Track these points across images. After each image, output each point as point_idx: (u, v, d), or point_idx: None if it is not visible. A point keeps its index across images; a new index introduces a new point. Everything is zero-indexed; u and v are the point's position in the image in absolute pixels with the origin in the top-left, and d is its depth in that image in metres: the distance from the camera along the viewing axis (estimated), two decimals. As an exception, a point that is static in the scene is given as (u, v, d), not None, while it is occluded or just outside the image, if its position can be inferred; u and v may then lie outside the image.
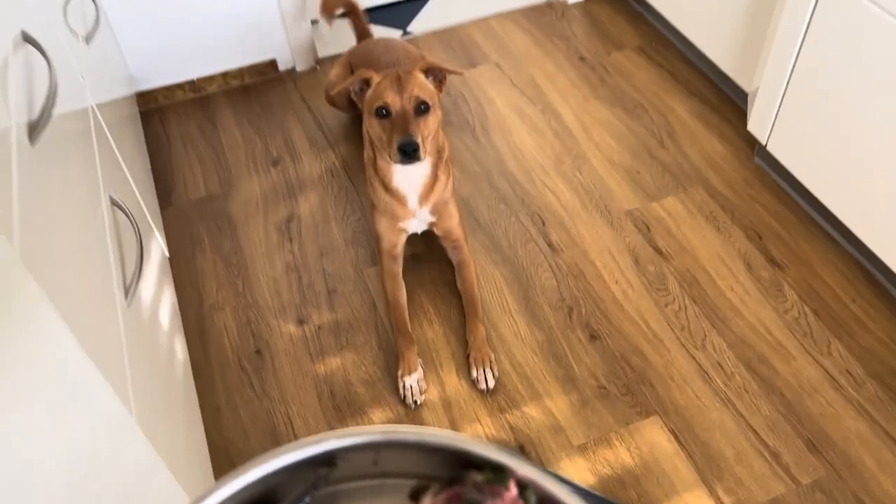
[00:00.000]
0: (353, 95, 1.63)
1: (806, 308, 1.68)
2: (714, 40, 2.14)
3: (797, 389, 1.55)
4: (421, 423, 1.53)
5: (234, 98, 2.29)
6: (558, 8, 2.58)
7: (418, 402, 1.55)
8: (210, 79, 2.28)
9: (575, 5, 2.59)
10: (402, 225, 1.72)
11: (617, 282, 1.76)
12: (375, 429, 0.47)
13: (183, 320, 1.71)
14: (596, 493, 1.40)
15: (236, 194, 2.02)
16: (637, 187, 1.96)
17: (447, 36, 2.49)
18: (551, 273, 1.78)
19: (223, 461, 1.49)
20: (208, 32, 2.19)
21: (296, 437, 1.53)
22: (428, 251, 1.85)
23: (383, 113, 1.52)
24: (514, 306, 1.73)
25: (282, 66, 2.35)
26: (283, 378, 1.62)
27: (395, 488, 0.47)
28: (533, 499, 0.40)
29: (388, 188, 1.67)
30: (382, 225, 1.72)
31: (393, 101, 1.51)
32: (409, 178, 1.64)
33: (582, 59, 2.37)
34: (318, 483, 0.45)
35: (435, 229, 1.74)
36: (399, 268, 1.73)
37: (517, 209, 1.93)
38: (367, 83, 1.58)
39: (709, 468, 1.44)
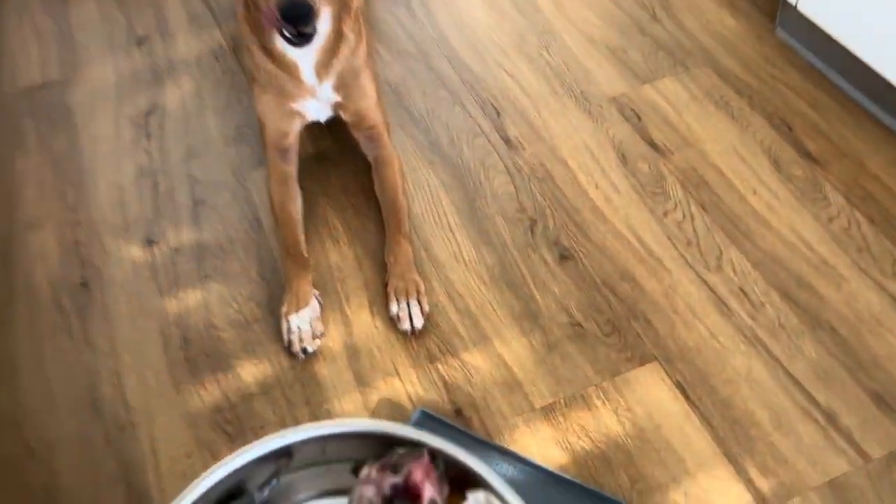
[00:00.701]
0: None
1: (858, 214, 1.21)
2: None
3: (853, 322, 1.08)
4: (313, 383, 1.04)
5: (99, -28, 1.75)
6: None
7: (309, 351, 1.06)
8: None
9: None
10: (294, 107, 1.21)
11: (597, 186, 1.27)
12: (327, 423, 0.61)
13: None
14: (560, 473, 0.93)
15: (82, 81, 1.48)
16: (624, 68, 1.47)
17: None
18: (507, 176, 1.29)
19: (10, 441, 1.00)
20: None
21: (125, 403, 1.03)
22: (337, 149, 1.34)
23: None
24: (454, 219, 1.24)
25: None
26: (116, 320, 1.12)
27: (340, 469, 0.59)
28: (441, 464, 0.53)
29: (271, 53, 1.16)
30: (266, 105, 1.21)
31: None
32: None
33: (550, -77, 1.86)
34: (279, 472, 0.58)
35: (343, 113, 1.24)
36: (292, 168, 1.23)
37: (463, 97, 1.43)
38: None
39: (734, 437, 0.97)
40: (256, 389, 1.04)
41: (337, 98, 1.22)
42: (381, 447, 0.56)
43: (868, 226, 1.20)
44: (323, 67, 1.18)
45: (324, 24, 1.12)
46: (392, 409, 1.01)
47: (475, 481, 0.58)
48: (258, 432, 0.99)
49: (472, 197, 1.26)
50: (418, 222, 1.23)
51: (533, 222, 1.22)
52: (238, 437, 0.99)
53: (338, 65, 1.19)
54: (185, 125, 1.39)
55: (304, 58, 1.15)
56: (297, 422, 0.99)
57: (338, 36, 1.17)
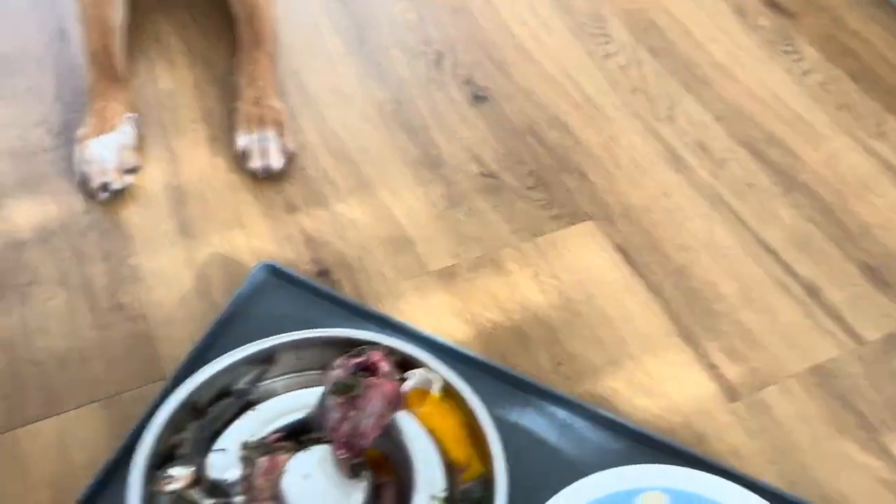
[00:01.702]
0: None
1: (836, 70, 0.99)
2: None
3: (836, 186, 0.85)
4: (117, 232, 0.74)
5: None
6: None
7: (113, 188, 0.75)
8: None
9: None
10: None
11: (525, 22, 1.00)
12: (302, 332, 0.62)
13: None
14: (469, 352, 0.66)
15: None
16: None
17: None
18: (412, 7, 1.01)
19: None
20: None
21: None
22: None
23: None
24: (335, 48, 0.94)
25: None
26: None
27: (313, 375, 0.62)
28: (392, 358, 0.59)
29: None
30: None
31: None
32: None
33: None
34: (262, 375, 0.62)
35: None
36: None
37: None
38: None
39: (691, 314, 0.73)
40: (31, 236, 0.72)
41: None
42: (348, 350, 0.61)
43: (848, 82, 0.97)
44: None
45: None
46: (227, 269, 0.71)
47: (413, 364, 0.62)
48: (25, 291, 0.68)
49: (361, 24, 0.97)
50: (287, 50, 0.93)
51: (440, 56, 0.94)
52: (-6, 298, 0.68)
53: None
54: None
55: None
56: (87, 291, 0.69)
57: None
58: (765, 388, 0.68)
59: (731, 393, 0.67)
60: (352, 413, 0.57)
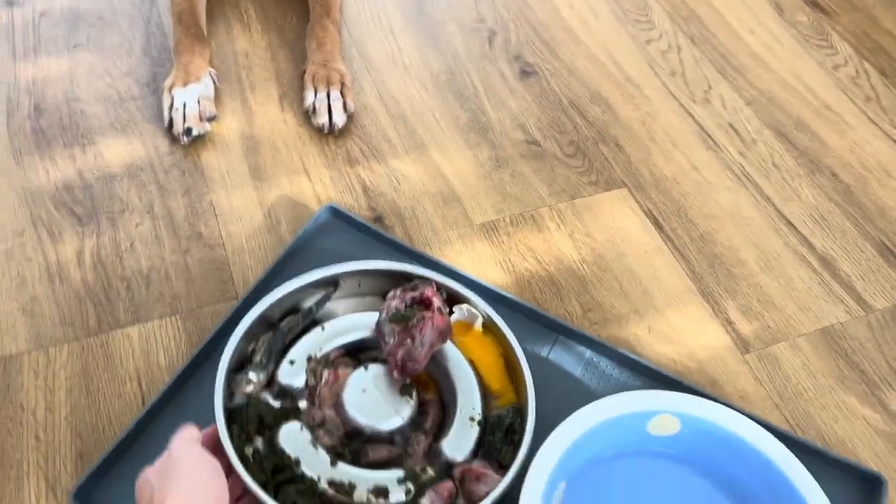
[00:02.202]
0: None
1: (867, 66, 1.04)
2: None
3: (858, 171, 0.91)
4: (197, 173, 0.82)
5: None
6: None
7: (194, 133, 0.83)
8: None
9: None
10: None
11: (573, 6, 1.07)
12: (364, 261, 0.70)
13: None
14: (508, 295, 0.73)
15: None
16: None
17: None
18: (465, -13, 1.08)
19: None
20: None
21: (-58, 171, 0.80)
22: (266, -62, 1.11)
23: None
24: (397, 21, 1.02)
25: None
26: (-49, 80, 0.88)
27: (372, 300, 0.70)
28: (444, 292, 0.67)
29: None
30: None
31: None
32: None
33: None
34: (328, 297, 0.69)
35: None
36: (202, -64, 0.99)
37: None
38: None
39: (713, 274, 0.80)
40: (121, 171, 0.81)
41: None
42: (403, 282, 0.68)
43: (878, 77, 1.03)
44: None
45: None
46: (293, 209, 0.80)
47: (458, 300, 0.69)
48: (116, 218, 0.77)
49: (422, 3, 1.05)
50: (352, 20, 1.01)
51: (493, 34, 1.02)
52: (89, 221, 0.76)
53: None
54: None
55: None
56: (170, 222, 0.77)
57: None
58: (775, 344, 0.74)
59: (744, 345, 0.74)
60: (407, 341, 0.64)
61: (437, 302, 0.66)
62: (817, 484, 0.58)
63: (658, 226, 0.83)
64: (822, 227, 0.84)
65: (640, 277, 0.78)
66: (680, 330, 0.74)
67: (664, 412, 0.61)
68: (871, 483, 0.65)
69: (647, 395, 0.61)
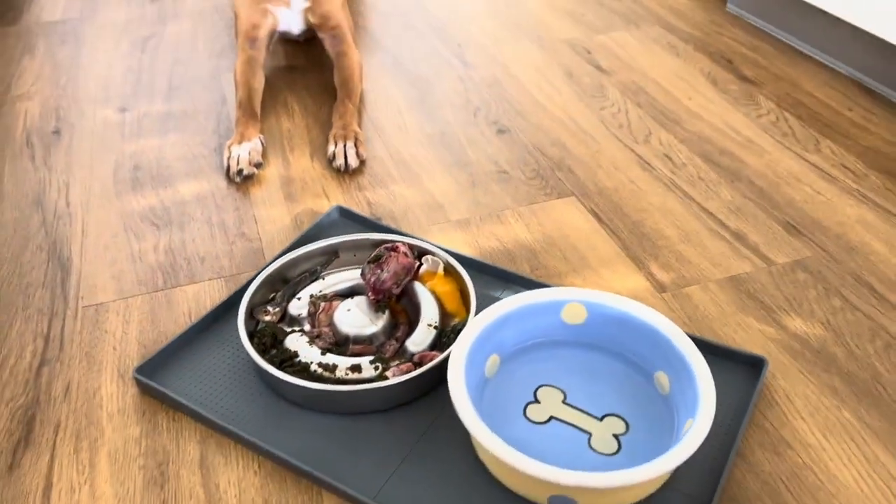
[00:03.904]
0: None
1: (787, 114, 1.27)
2: None
3: (772, 178, 1.11)
4: (245, 198, 1.09)
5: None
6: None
7: (244, 173, 1.12)
8: (106, -62, 2.00)
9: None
10: (268, 7, 1.35)
11: (541, 89, 1.36)
12: (355, 235, 0.94)
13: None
14: (468, 255, 0.94)
15: (95, 20, 1.67)
16: (580, 23, 1.60)
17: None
18: (460, 82, 1.39)
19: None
20: None
21: (67, 202, 1.09)
22: (307, 65, 1.47)
23: None
24: (404, 104, 1.32)
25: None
26: (77, 153, 1.20)
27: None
28: (415, 251, 0.90)
29: (254, -42, 1.33)
30: (242, 1, 1.36)
31: None
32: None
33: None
34: (329, 262, 0.94)
35: (311, 16, 1.37)
36: (258, 54, 1.35)
37: (428, 35, 1.56)
38: None
39: (640, 245, 0.99)
40: (190, 199, 1.09)
41: (307, 4, 1.36)
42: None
43: (795, 120, 1.25)
44: (297, -23, 1.33)
45: None
46: (313, 216, 1.05)
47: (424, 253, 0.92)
48: (185, 225, 1.04)
49: (423, 92, 1.36)
50: (369, 107, 1.32)
51: (477, 109, 1.30)
52: (164, 227, 1.03)
53: (310, -25, 1.35)
54: (176, 46, 1.55)
55: (282, -33, 1.31)
56: (222, 227, 1.04)
57: (312, -51, 1.34)
58: (689, 287, 0.92)
59: (661, 288, 0.91)
60: (377, 271, 0.86)
61: (402, 248, 0.88)
62: (697, 349, 0.74)
63: (598, 218, 1.04)
64: (736, 215, 1.03)
65: (579, 249, 0.98)
66: (608, 280, 0.93)
67: (573, 300, 0.79)
68: (755, 364, 0.79)
69: (558, 289, 0.79)
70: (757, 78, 1.38)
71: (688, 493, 0.68)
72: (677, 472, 0.70)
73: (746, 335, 0.85)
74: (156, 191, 1.11)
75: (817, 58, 1.44)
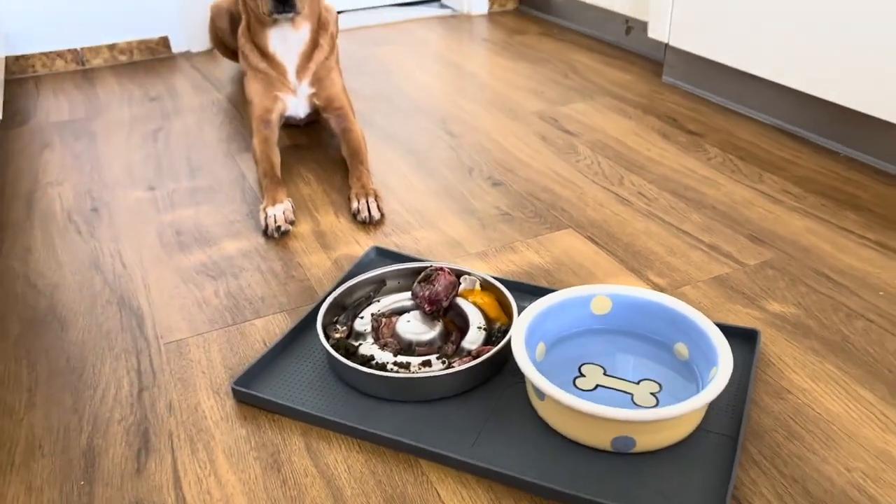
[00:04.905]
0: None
1: (730, 156, 1.51)
2: None
3: (730, 204, 1.32)
4: (285, 251, 1.23)
5: (121, 74, 2.16)
6: (464, 17, 2.63)
7: (282, 229, 1.26)
8: (96, 50, 2.17)
9: (479, 16, 2.65)
10: (278, 94, 1.53)
11: (522, 151, 1.57)
12: (398, 265, 1.09)
13: (7, 190, 1.43)
14: (497, 277, 1.10)
15: (102, 118, 1.81)
16: (543, 99, 1.84)
17: (357, 33, 2.47)
18: (451, 151, 1.58)
19: (20, 285, 1.15)
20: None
21: (123, 263, 1.21)
22: (311, 143, 1.64)
23: (257, -32, 1.42)
24: (406, 169, 1.50)
25: (175, 47, 2.26)
26: (119, 226, 1.32)
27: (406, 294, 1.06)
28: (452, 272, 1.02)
29: (264, 53, 1.51)
30: (255, 90, 1.53)
31: (268, -46, 1.41)
32: (286, 42, 1.50)
33: (485, 40, 2.36)
34: (379, 289, 1.08)
35: (316, 100, 1.56)
36: (273, 134, 1.52)
37: (416, 115, 1.77)
38: (239, -65, 1.49)
39: (636, 260, 1.17)
40: (236, 254, 1.22)
41: (311, 90, 1.55)
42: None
43: (739, 160, 1.49)
44: (302, 69, 1.53)
45: (304, 33, 1.49)
46: (351, 259, 1.19)
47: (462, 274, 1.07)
48: (238, 274, 1.16)
49: (421, 160, 1.54)
50: (377, 173, 1.49)
51: (471, 169, 1.50)
52: (219, 277, 1.16)
53: (313, 66, 1.54)
54: (186, 135, 1.70)
55: (290, 60, 1.51)
56: (273, 273, 1.17)
57: (314, 45, 1.54)
58: (682, 287, 1.10)
59: (660, 289, 1.09)
60: (429, 287, 1.01)
61: (446, 269, 1.04)
62: (707, 318, 0.91)
63: (595, 243, 1.22)
64: (708, 232, 1.24)
65: (586, 266, 1.15)
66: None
67: (600, 294, 0.95)
68: (749, 336, 0.97)
69: (586, 286, 0.96)
70: (699, 131, 1.63)
71: (718, 432, 0.84)
72: (707, 416, 0.85)
73: (737, 318, 1.03)
74: (202, 250, 1.24)
75: (745, 112, 1.71)
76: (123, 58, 2.22)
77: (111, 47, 2.19)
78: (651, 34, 1.89)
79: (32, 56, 2.12)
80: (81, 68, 2.18)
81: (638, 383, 0.89)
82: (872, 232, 1.22)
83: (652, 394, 0.87)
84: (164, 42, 2.24)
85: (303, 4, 1.44)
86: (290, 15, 1.43)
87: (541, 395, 0.83)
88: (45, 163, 1.58)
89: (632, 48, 2.20)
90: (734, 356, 0.94)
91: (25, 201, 1.42)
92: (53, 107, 1.90)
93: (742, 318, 1.03)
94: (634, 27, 2.16)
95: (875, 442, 0.83)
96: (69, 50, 2.15)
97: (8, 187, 1.48)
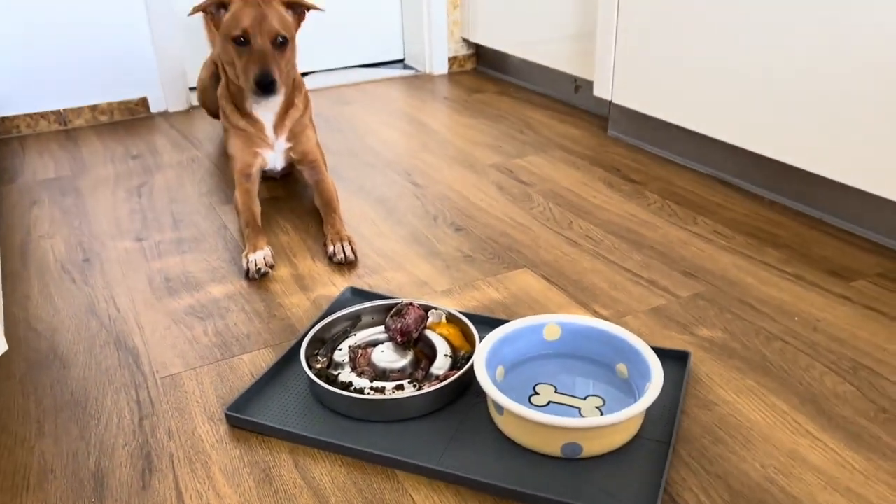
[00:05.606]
0: (208, 17, 1.67)
1: (668, 202, 1.68)
2: (556, 53, 2.36)
3: (667, 244, 1.48)
4: (267, 293, 1.35)
5: (102, 133, 2.28)
6: (426, 77, 2.81)
7: (262, 271, 1.38)
8: (77, 111, 2.29)
9: (440, 76, 2.83)
10: (258, 150, 1.67)
11: (482, 199, 1.72)
12: (370, 302, 1.21)
13: (1, 244, 1.53)
14: (461, 311, 1.23)
15: (87, 176, 1.92)
16: (500, 152, 2.01)
17: (325, 92, 2.63)
18: (416, 199, 1.73)
19: (21, 329, 1.24)
20: (77, 62, 2.25)
21: (116, 308, 1.31)
22: (287, 195, 1.77)
23: (241, 41, 1.56)
24: (376, 217, 1.64)
25: (154, 107, 2.39)
26: (111, 274, 1.43)
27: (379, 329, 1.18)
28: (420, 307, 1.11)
29: (243, 113, 1.65)
30: (236, 146, 1.66)
31: (252, 30, 1.55)
32: (265, 104, 1.64)
33: (446, 98, 2.54)
34: (354, 326, 1.20)
35: (292, 154, 1.70)
36: (254, 187, 1.64)
37: (382, 168, 1.91)
38: (223, 6, 1.63)
39: (583, 294, 1.31)
40: (222, 297, 1.33)
41: (288, 145, 1.69)
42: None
43: (676, 206, 1.65)
44: (279, 126, 1.67)
45: (281, 96, 1.63)
46: (327, 299, 1.31)
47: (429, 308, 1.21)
48: (224, 315, 1.27)
49: (390, 209, 1.68)
50: (348, 220, 1.62)
51: (435, 217, 1.64)
52: (207, 318, 1.27)
53: (289, 123, 1.68)
54: (168, 191, 1.82)
55: (268, 119, 1.65)
56: (256, 313, 1.28)
57: (289, 105, 1.68)
58: (624, 317, 1.24)
59: (604, 319, 1.23)
60: (400, 320, 1.13)
61: (415, 304, 1.17)
62: (644, 342, 1.05)
63: (548, 280, 1.36)
64: (647, 270, 1.39)
65: (540, 301, 1.29)
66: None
67: (551, 322, 1.09)
68: (681, 357, 1.11)
69: (539, 316, 1.09)
70: (641, 179, 1.80)
71: (654, 438, 0.97)
72: (645, 426, 0.98)
73: (672, 342, 1.17)
74: (190, 294, 1.35)
75: (682, 162, 1.89)
76: (104, 118, 2.34)
77: (92, 108, 2.31)
78: (596, 92, 2.08)
79: (17, 117, 2.23)
80: (64, 128, 2.29)
81: (585, 399, 1.02)
82: (791, 266, 1.39)
83: (597, 408, 1.00)
84: (143, 102, 2.37)
85: (282, 83, 1.57)
86: (273, 97, 1.57)
87: (500, 409, 0.96)
88: (36, 218, 1.68)
89: (580, 105, 2.39)
90: (668, 375, 1.08)
91: (20, 253, 1.52)
92: (39, 165, 2.00)
93: (676, 342, 1.17)
94: (582, 86, 2.36)
95: (786, 443, 0.96)
96: (52, 111, 2.26)
97: (1, 241, 1.57)
